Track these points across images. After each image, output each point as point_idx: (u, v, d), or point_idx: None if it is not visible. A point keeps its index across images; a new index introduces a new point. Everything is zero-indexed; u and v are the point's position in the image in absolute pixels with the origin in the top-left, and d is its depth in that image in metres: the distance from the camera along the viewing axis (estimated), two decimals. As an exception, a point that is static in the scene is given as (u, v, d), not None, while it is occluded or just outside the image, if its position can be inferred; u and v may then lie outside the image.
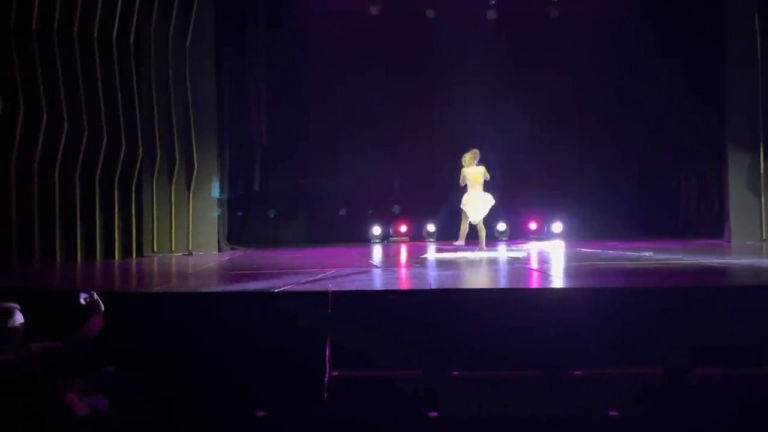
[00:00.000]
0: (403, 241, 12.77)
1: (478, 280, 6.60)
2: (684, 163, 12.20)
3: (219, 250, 10.51)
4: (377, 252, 10.43)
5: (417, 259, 9.00)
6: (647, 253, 8.62)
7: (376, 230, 12.75)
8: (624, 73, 12.34)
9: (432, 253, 10.09)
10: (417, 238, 12.78)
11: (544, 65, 12.15)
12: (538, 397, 3.82)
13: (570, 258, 8.83)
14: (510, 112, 12.18)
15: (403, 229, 13.02)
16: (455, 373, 3.89)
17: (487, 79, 12.22)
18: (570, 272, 7.14)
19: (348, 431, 3.37)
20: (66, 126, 8.88)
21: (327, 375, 4.34)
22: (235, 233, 11.86)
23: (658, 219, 12.49)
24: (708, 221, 11.60)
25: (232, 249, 10.95)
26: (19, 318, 3.95)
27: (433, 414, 3.40)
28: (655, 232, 11.92)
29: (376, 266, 8.25)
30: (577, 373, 3.97)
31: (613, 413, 3.41)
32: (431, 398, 3.75)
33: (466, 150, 12.15)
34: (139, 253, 9.99)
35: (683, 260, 7.88)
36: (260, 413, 3.37)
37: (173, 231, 10.36)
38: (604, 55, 12.19)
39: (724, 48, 10.72)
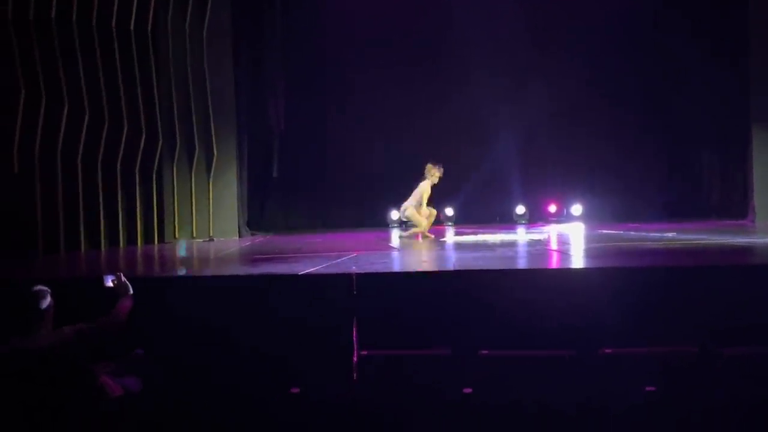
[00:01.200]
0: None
1: (500, 261, 6.60)
2: (707, 143, 11.98)
3: (240, 236, 10.59)
4: (396, 236, 10.45)
5: (437, 242, 9.01)
6: (671, 234, 8.55)
7: (394, 215, 12.73)
8: (645, 53, 12.12)
9: (451, 236, 10.10)
10: (435, 222, 12.74)
11: (562, 46, 11.98)
12: (568, 375, 3.83)
13: (591, 239, 8.78)
14: (528, 93, 12.03)
15: (422, 213, 12.96)
16: (484, 351, 3.92)
17: (505, 60, 12.08)
18: (592, 253, 7.11)
19: (379, 408, 3.43)
20: (87, 116, 8.97)
21: (355, 355, 4.40)
22: (255, 219, 11.92)
23: (681, 200, 12.27)
24: (732, 201, 11.43)
25: (253, 234, 11.02)
26: (50, 300, 4.03)
27: (468, 390, 3.43)
28: (678, 214, 11.74)
29: (396, 249, 8.27)
30: (607, 351, 3.98)
31: (650, 388, 3.41)
32: (461, 376, 3.79)
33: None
34: (161, 239, 10.10)
35: (707, 240, 7.81)
36: (295, 390, 3.46)
37: (194, 217, 10.45)
38: (625, 35, 11.99)
39: (749, 25, 10.51)
